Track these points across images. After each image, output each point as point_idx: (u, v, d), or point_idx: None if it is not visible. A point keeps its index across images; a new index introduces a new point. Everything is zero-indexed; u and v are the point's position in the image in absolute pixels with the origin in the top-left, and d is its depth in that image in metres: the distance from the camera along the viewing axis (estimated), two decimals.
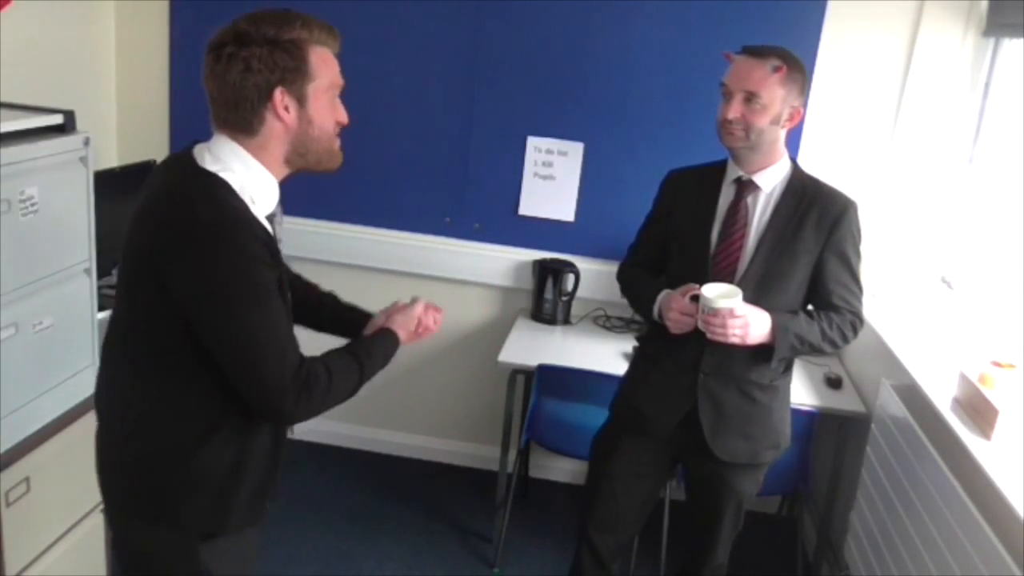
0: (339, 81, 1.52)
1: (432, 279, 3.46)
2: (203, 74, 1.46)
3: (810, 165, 3.12)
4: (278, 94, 1.44)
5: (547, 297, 3.29)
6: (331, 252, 3.46)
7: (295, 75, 1.44)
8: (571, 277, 3.29)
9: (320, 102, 1.48)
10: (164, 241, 1.41)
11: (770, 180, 2.05)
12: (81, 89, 3.19)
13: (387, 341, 1.67)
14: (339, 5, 3.21)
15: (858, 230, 2.07)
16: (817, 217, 2.02)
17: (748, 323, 1.94)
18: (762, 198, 2.06)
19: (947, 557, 2.00)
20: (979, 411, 2.12)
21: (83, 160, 2.17)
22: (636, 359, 2.34)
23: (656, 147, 3.19)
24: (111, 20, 3.30)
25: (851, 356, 3.13)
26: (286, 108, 1.45)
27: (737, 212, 2.06)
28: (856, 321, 2.08)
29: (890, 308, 2.96)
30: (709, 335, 1.96)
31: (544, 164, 3.28)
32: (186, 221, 1.40)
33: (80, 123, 2.21)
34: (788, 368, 2.17)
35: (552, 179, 3.29)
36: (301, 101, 1.46)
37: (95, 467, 1.62)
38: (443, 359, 3.58)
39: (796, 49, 1.94)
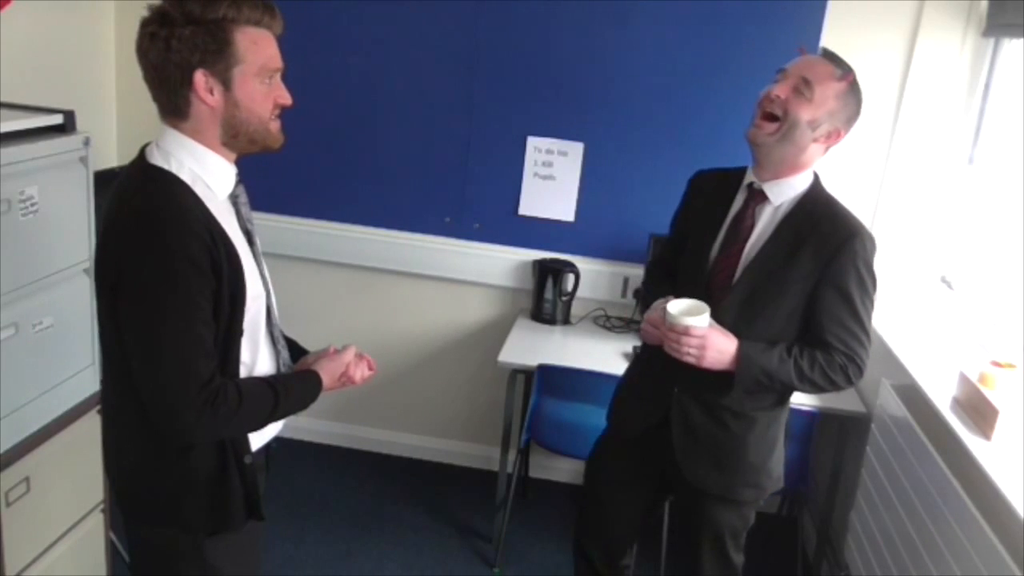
0: (274, 64, 1.46)
1: (432, 279, 3.47)
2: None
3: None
4: (199, 76, 1.39)
5: (547, 297, 3.29)
6: (331, 252, 3.46)
7: (216, 57, 1.39)
8: (571, 277, 3.29)
9: (249, 86, 1.43)
10: (108, 238, 1.42)
11: (781, 193, 1.90)
12: (81, 89, 3.19)
13: (309, 382, 1.60)
14: (340, 5, 3.23)
15: (866, 264, 1.85)
16: (817, 243, 1.85)
17: (706, 345, 1.83)
18: (768, 211, 1.92)
19: (947, 557, 2.00)
20: (979, 411, 2.12)
21: (83, 160, 2.17)
22: (632, 361, 2.31)
23: (656, 147, 3.19)
24: (111, 20, 3.29)
25: None
26: (210, 91, 1.41)
27: (742, 221, 1.93)
28: (849, 366, 1.87)
29: (890, 308, 2.96)
30: (667, 350, 1.87)
31: (544, 164, 3.28)
32: (127, 218, 1.40)
33: (80, 123, 2.21)
34: (780, 403, 2.01)
35: (552, 179, 3.29)
36: (226, 84, 1.42)
37: (105, 472, 1.62)
38: (443, 359, 3.58)
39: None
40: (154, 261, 1.36)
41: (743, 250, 1.92)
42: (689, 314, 1.84)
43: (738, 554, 2.12)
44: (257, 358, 1.57)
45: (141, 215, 1.39)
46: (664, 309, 1.87)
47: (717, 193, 2.00)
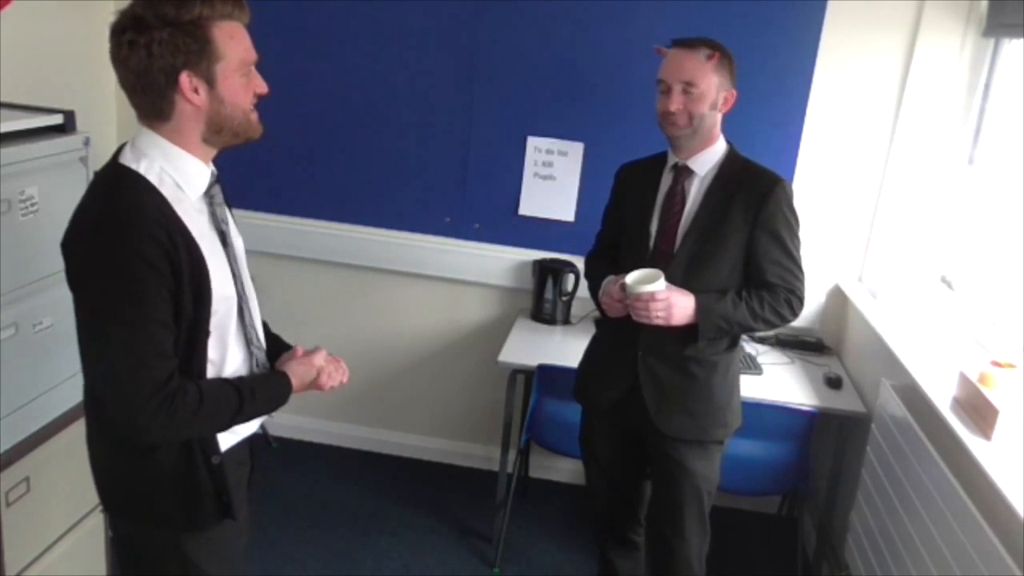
0: (251, 56, 1.45)
1: (432, 279, 3.47)
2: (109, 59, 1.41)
3: (810, 165, 3.14)
4: (184, 78, 1.39)
5: (547, 297, 3.29)
6: (331, 252, 3.46)
7: (199, 57, 1.39)
8: (571, 277, 3.29)
9: (231, 80, 1.43)
10: (68, 239, 1.42)
11: (704, 164, 2.14)
12: (81, 89, 3.19)
13: (277, 384, 1.58)
14: (339, 5, 3.23)
15: (789, 207, 2.11)
16: (745, 197, 2.08)
17: (671, 305, 2.02)
18: (696, 182, 2.15)
19: (947, 557, 2.00)
20: (979, 411, 2.12)
21: (83, 160, 2.17)
22: (591, 341, 2.43)
23: (656, 147, 3.16)
24: (111, 20, 3.29)
25: (851, 356, 3.13)
26: (195, 91, 1.41)
27: (674, 197, 2.15)
28: (792, 298, 2.12)
29: (890, 308, 2.96)
30: (636, 318, 2.05)
31: (544, 164, 3.28)
32: (85, 216, 1.41)
33: (80, 123, 2.21)
34: (732, 346, 2.21)
35: (552, 179, 3.29)
36: (210, 82, 1.41)
37: (91, 467, 1.63)
38: (443, 359, 3.58)
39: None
40: (107, 261, 1.35)
41: (680, 220, 2.14)
42: (646, 282, 2.02)
43: (707, 523, 2.28)
44: (226, 359, 1.54)
45: (97, 216, 1.39)
46: (623, 284, 2.05)
47: (644, 179, 2.23)
